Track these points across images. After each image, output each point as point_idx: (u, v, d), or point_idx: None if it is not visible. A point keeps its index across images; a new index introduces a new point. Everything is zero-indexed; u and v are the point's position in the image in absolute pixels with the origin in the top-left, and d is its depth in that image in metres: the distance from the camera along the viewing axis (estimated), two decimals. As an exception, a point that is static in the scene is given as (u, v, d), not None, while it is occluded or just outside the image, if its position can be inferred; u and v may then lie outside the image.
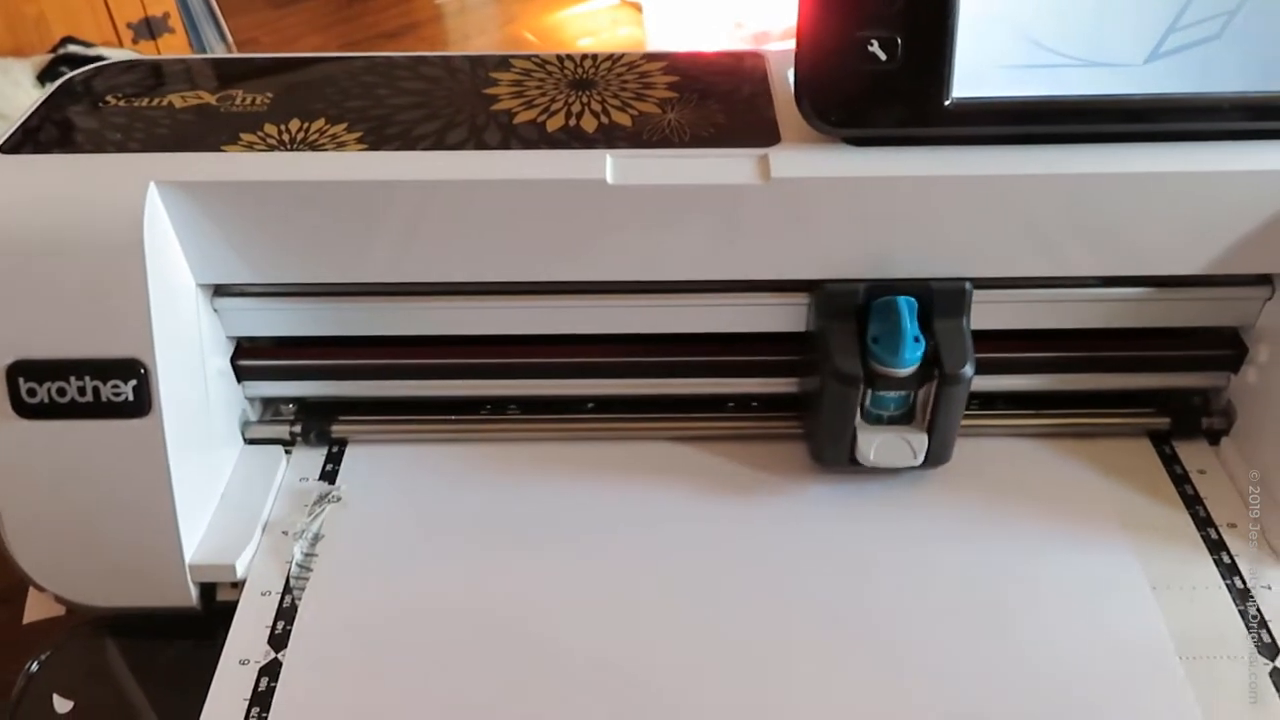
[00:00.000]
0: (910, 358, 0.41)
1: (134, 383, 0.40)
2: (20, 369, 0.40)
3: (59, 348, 0.40)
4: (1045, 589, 0.42)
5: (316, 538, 0.44)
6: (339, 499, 0.45)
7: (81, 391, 0.40)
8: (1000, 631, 0.40)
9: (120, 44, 2.17)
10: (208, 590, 0.43)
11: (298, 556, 0.43)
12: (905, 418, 0.43)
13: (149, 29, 2.21)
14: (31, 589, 0.45)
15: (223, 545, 0.43)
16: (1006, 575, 0.42)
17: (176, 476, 0.41)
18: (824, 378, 0.42)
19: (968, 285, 0.42)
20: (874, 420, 0.44)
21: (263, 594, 0.42)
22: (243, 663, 0.40)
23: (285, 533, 0.44)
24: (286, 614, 0.41)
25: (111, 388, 0.40)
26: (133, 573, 0.42)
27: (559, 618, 0.41)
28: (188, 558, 0.42)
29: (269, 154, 0.41)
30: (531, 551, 0.43)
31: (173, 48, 2.24)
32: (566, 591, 0.42)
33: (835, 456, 0.44)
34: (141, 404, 0.40)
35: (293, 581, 0.42)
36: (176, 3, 2.22)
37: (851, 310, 0.43)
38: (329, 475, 0.47)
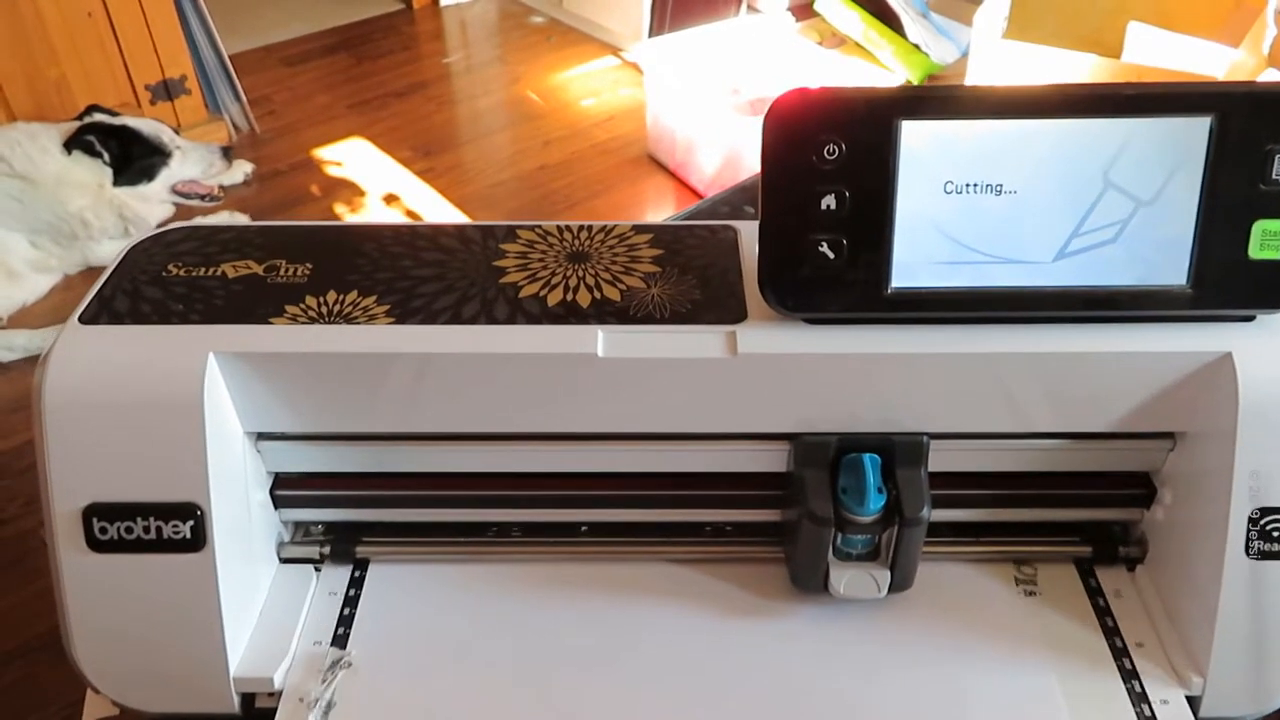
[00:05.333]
0: (873, 507, 0.48)
1: (191, 523, 0.46)
2: (94, 510, 0.46)
3: (128, 493, 0.46)
4: (976, 704, 0.48)
5: (330, 705, 0.48)
6: (350, 664, 0.50)
7: (146, 530, 0.46)
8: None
9: (139, 105, 2.26)
10: (248, 699, 0.50)
11: None
12: (871, 555, 0.50)
13: (166, 91, 2.30)
14: (89, 692, 0.51)
15: (263, 659, 0.49)
16: (942, 692, 0.49)
17: (224, 600, 0.48)
18: (801, 519, 0.49)
19: (925, 439, 0.49)
20: (844, 557, 0.50)
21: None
22: None
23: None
24: None
25: (172, 527, 0.46)
26: (183, 682, 0.49)
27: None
28: (232, 671, 0.48)
29: (310, 326, 0.48)
30: (530, 666, 0.50)
31: (189, 108, 2.34)
32: (564, 703, 0.48)
33: (812, 585, 0.51)
34: (197, 541, 0.46)
35: None
36: (193, 65, 2.32)
37: (825, 461, 0.49)
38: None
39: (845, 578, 0.50)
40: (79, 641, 0.48)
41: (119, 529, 0.46)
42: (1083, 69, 1.69)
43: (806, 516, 0.48)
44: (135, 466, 0.46)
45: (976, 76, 1.89)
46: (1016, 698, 0.48)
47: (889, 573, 0.50)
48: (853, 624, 0.51)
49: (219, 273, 0.51)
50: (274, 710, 0.48)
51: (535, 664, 0.50)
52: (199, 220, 1.52)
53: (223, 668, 0.48)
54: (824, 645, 0.51)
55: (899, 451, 0.49)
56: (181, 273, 0.51)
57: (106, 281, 0.51)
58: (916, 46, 2.19)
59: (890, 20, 2.22)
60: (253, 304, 0.49)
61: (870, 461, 0.49)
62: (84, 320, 0.48)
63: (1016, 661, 0.50)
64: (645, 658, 0.50)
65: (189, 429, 0.46)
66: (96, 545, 0.47)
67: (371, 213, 2.16)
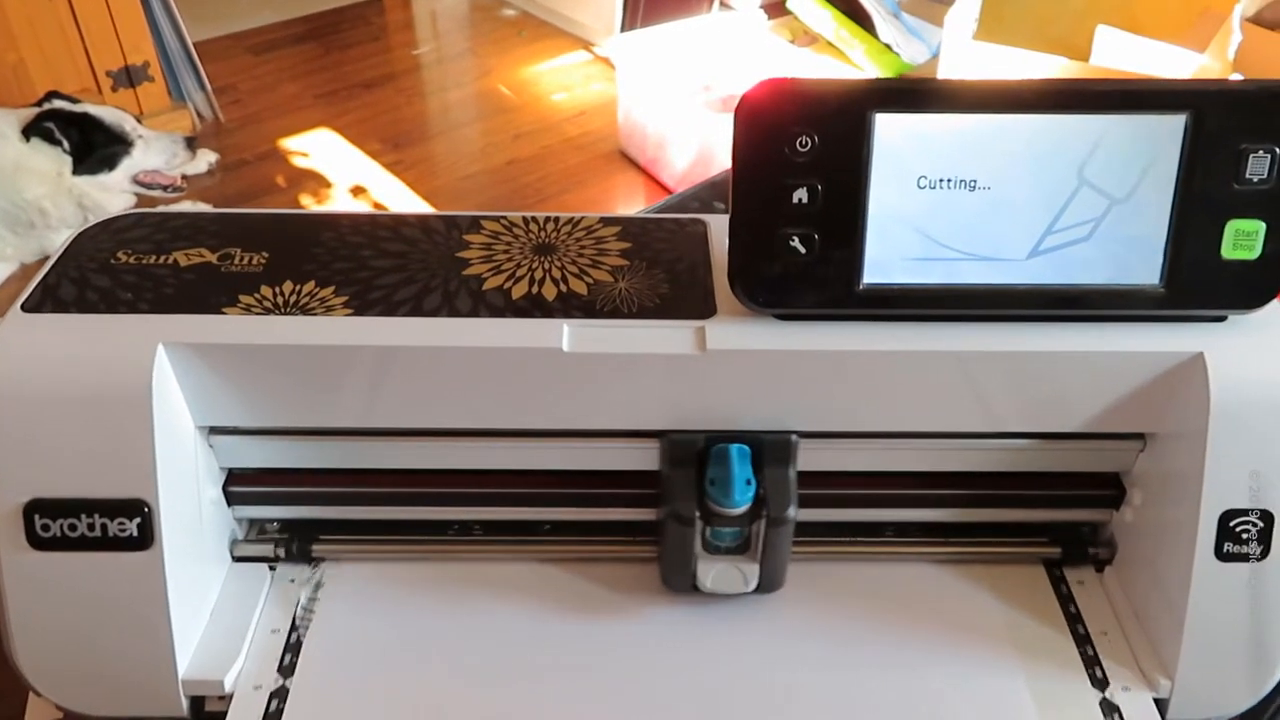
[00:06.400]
0: (740, 500, 0.47)
1: (138, 520, 0.45)
2: (36, 506, 0.44)
3: (72, 488, 0.44)
4: (945, 706, 0.47)
5: (319, 585, 0.50)
6: (322, 584, 0.51)
7: (90, 528, 0.45)
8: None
9: (100, 92, 2.21)
10: (197, 701, 0.48)
11: (303, 601, 0.50)
12: (741, 549, 0.49)
13: (129, 78, 2.25)
14: (31, 695, 0.49)
15: (213, 661, 0.47)
16: (910, 693, 0.48)
17: (173, 600, 0.46)
18: (666, 519, 0.48)
19: (794, 438, 0.48)
20: (713, 550, 0.49)
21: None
22: None
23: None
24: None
25: (118, 524, 0.45)
26: (129, 685, 0.47)
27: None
28: (181, 673, 0.47)
29: (265, 317, 0.46)
30: (491, 667, 0.48)
31: (152, 95, 2.29)
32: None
33: (680, 585, 0.50)
34: (144, 539, 0.45)
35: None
36: (156, 51, 2.27)
37: (692, 457, 0.48)
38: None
39: (713, 571, 0.49)
40: (20, 643, 0.46)
41: (62, 526, 0.45)
42: (1051, 71, 1.70)
43: (671, 516, 0.48)
44: (80, 461, 0.44)
45: (946, 77, 1.89)
46: (984, 700, 0.48)
47: (758, 567, 0.49)
48: (824, 623, 0.51)
49: (170, 261, 0.49)
50: (224, 713, 0.47)
51: (481, 665, 0.48)
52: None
53: (171, 670, 0.46)
54: (783, 645, 0.50)
55: (766, 450, 0.48)
56: (131, 260, 0.49)
57: (52, 269, 0.49)
58: (888, 46, 2.20)
59: (862, 19, 2.22)
60: (205, 293, 0.47)
61: (738, 452, 0.48)
62: (27, 309, 0.46)
63: (984, 663, 0.49)
64: (619, 662, 0.49)
65: (136, 422, 0.44)
66: (38, 543, 0.45)
67: (338, 205, 2.13)
